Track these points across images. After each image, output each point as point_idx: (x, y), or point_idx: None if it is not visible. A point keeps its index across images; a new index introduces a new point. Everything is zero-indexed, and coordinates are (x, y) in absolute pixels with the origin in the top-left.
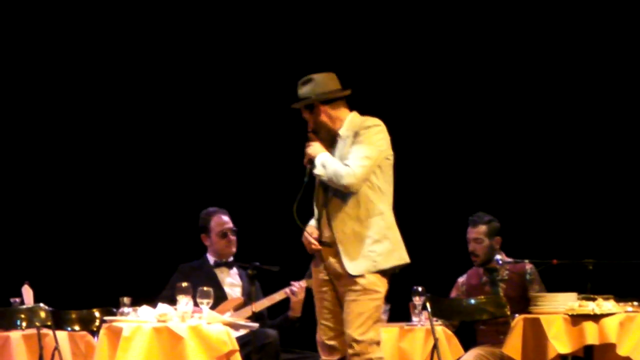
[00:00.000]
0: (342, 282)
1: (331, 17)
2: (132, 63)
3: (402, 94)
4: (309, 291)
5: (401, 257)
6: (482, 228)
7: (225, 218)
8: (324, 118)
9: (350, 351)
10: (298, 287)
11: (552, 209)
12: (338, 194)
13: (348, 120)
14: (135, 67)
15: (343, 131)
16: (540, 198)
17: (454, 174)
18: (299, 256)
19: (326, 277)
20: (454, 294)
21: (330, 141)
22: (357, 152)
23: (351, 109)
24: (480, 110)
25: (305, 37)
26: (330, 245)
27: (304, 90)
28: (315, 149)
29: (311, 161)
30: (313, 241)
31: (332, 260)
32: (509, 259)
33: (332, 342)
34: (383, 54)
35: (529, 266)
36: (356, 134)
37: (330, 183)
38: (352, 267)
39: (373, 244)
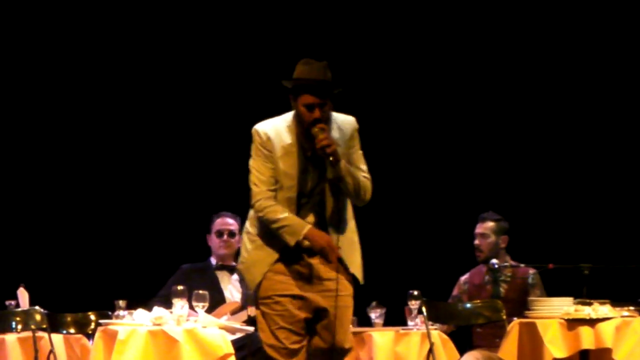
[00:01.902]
0: (321, 286)
1: (330, 16)
2: (135, 63)
3: (399, 97)
4: None
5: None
6: (490, 224)
7: (229, 220)
8: (330, 111)
9: None
10: None
11: (549, 213)
12: (341, 199)
13: (331, 117)
14: (137, 67)
15: (336, 130)
16: (537, 202)
17: (450, 179)
18: None
19: (292, 282)
20: (455, 292)
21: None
22: (364, 164)
23: (354, 106)
24: (476, 115)
25: (301, 44)
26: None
27: (330, 76)
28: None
29: (333, 154)
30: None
31: (314, 261)
32: (505, 263)
33: (296, 346)
34: (389, 49)
35: (532, 271)
36: (352, 137)
37: (350, 190)
38: (358, 273)
39: (360, 253)
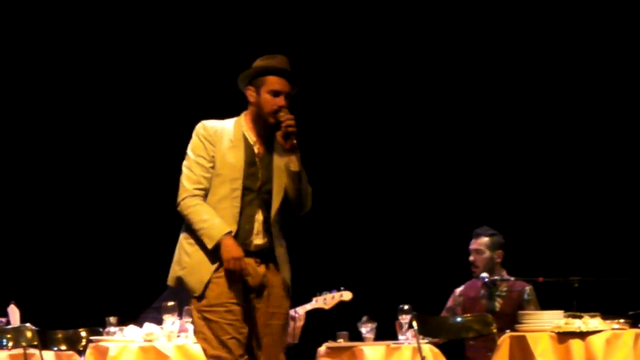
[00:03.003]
0: (266, 298)
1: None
2: (117, 76)
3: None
4: (308, 316)
5: None
6: (484, 240)
7: None
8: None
9: None
10: (299, 313)
11: (538, 227)
12: (282, 205)
13: None
14: (101, 85)
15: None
16: (526, 216)
17: (441, 193)
18: (299, 278)
19: (242, 289)
20: (450, 303)
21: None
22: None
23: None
24: (472, 129)
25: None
26: (259, 255)
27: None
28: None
29: (295, 134)
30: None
31: (260, 270)
32: (496, 277)
33: (244, 359)
34: (386, 56)
35: (528, 287)
36: None
37: (302, 190)
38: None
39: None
